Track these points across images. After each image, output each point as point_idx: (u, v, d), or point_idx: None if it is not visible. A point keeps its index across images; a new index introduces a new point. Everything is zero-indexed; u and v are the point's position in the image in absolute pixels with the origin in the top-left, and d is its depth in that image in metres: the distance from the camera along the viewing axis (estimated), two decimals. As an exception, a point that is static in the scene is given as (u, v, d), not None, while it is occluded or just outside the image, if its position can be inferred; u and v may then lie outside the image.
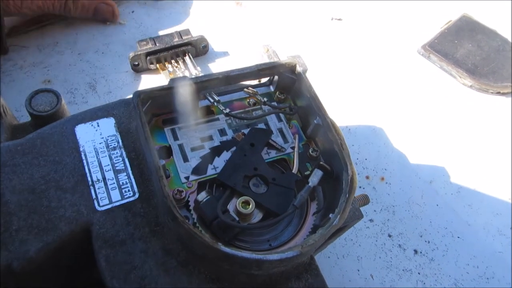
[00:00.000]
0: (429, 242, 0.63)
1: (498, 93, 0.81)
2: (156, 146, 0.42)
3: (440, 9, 0.94)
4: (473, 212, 0.66)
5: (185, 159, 0.42)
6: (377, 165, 0.71)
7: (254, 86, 0.48)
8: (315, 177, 0.40)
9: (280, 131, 0.45)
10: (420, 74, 0.84)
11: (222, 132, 0.44)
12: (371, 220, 0.65)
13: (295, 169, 0.42)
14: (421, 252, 0.63)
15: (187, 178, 0.41)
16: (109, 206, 0.39)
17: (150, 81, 0.76)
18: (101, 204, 0.39)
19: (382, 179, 0.69)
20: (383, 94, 0.80)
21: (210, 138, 0.43)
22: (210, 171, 0.41)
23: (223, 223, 0.36)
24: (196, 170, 0.41)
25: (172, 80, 0.42)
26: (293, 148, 0.44)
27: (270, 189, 0.40)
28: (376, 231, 0.64)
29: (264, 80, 0.49)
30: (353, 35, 0.88)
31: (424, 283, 0.59)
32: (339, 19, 0.90)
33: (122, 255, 0.37)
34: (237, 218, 0.38)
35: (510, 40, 0.89)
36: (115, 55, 0.79)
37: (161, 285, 0.36)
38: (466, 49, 0.87)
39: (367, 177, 0.69)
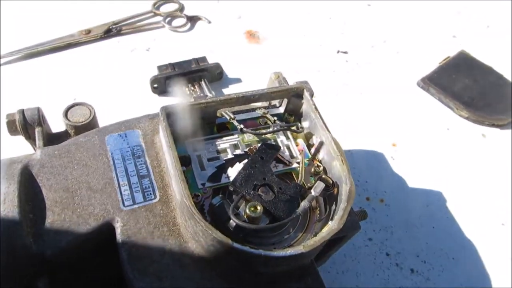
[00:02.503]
0: (425, 262, 0.67)
1: (493, 125, 0.86)
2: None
3: (439, 46, 1.01)
4: (467, 235, 0.70)
5: (202, 168, 0.46)
6: (377, 188, 0.75)
7: (265, 107, 0.54)
8: (318, 188, 0.45)
9: (288, 147, 0.50)
10: (419, 105, 0.89)
11: (235, 146, 0.49)
12: (370, 239, 0.69)
13: (300, 181, 0.46)
14: (417, 271, 0.66)
15: (203, 184, 0.45)
16: (133, 207, 0.44)
17: (168, 102, 0.82)
18: (125, 204, 0.44)
19: (382, 201, 0.73)
20: (384, 122, 0.85)
21: (225, 151, 0.48)
22: (224, 179, 0.46)
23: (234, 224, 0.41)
24: (211, 178, 0.46)
25: (196, 98, 0.47)
26: (298, 163, 0.49)
27: (277, 197, 0.44)
28: (374, 250, 0.68)
29: (274, 102, 0.55)
30: (358, 67, 0.95)
31: (420, 301, 0.62)
32: (345, 52, 0.97)
33: (143, 250, 0.41)
34: (247, 221, 0.42)
35: (505, 76, 0.94)
36: (137, 78, 0.85)
37: (177, 279, 0.40)
38: (463, 83, 0.92)
39: (367, 199, 0.73)
